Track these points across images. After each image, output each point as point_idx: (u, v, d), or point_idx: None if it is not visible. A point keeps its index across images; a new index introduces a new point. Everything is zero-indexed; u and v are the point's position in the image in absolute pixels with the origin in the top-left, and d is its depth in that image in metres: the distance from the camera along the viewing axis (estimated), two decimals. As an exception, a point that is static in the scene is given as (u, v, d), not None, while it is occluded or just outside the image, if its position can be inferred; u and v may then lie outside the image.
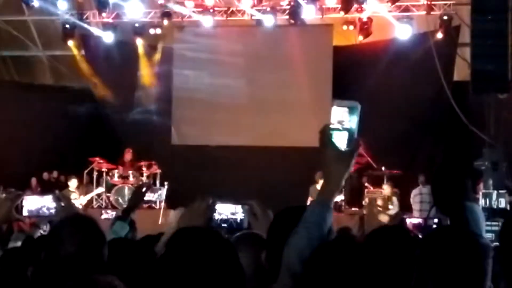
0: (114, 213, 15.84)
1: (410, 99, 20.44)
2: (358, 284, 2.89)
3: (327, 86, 21.16)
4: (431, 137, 21.15)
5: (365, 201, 18.98)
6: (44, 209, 5.91)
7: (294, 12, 20.89)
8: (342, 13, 20.80)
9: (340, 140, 2.98)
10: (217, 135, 22.02)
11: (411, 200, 18.66)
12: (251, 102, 21.90)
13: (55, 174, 21.68)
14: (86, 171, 20.84)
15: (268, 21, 21.30)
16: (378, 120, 20.07)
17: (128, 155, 21.09)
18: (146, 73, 23.24)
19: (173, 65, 22.91)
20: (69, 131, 22.18)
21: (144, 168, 20.89)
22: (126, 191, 19.71)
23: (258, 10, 21.53)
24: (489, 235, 6.89)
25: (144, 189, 5.87)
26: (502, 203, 15.29)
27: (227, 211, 5.49)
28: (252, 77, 21.88)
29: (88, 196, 19.90)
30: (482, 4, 15.85)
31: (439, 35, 20.53)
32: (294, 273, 2.85)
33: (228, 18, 21.81)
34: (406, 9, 20.73)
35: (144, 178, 20.80)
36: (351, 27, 21.49)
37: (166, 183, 20.26)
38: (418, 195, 18.64)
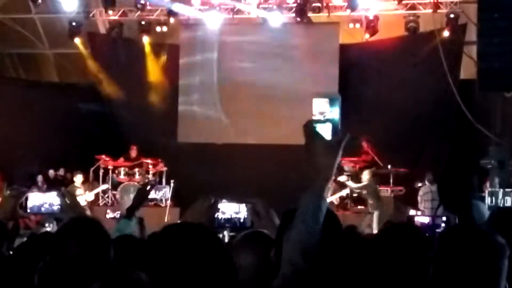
0: (119, 212, 15.86)
1: (416, 97, 20.41)
2: (370, 281, 2.90)
3: (333, 84, 21.14)
4: (437, 135, 21.12)
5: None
6: (49, 206, 5.91)
7: (300, 10, 20.87)
8: (348, 11, 20.79)
9: (325, 132, 2.97)
10: (223, 133, 22.02)
11: (419, 198, 18.52)
12: (257, 100, 21.88)
13: (61, 171, 21.72)
14: (92, 169, 20.87)
15: (274, 19, 21.30)
16: (384, 118, 20.09)
17: (133, 152, 21.13)
18: (152, 70, 23.24)
19: (179, 63, 22.91)
20: (75, 129, 22.18)
21: (150, 166, 20.92)
22: (132, 189, 19.73)
23: (265, 8, 21.53)
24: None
25: (148, 188, 5.87)
26: (508, 202, 15.25)
27: (230, 210, 5.51)
28: (258, 75, 21.85)
29: (94, 192, 19.91)
30: (489, 2, 15.82)
31: (446, 33, 20.50)
32: (297, 267, 2.84)
33: (234, 16, 21.80)
34: (413, 7, 20.71)
35: (150, 176, 20.82)
36: (358, 25, 21.47)
37: (172, 181, 20.26)
38: (428, 193, 18.46)
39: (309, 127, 2.97)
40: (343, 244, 3.23)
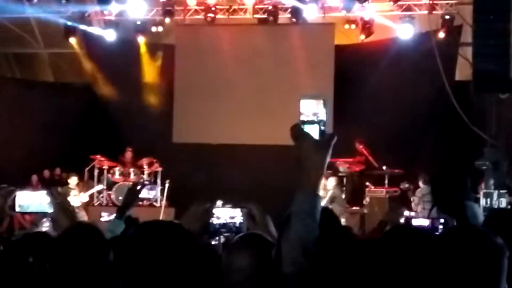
0: (114, 215, 15.85)
1: (411, 98, 20.44)
2: (375, 282, 2.91)
3: (328, 85, 21.15)
4: (432, 137, 21.15)
5: (366, 200, 18.98)
6: (38, 205, 5.87)
7: (296, 11, 20.89)
8: (344, 12, 20.80)
9: (312, 133, 2.99)
10: (218, 133, 22.02)
11: (416, 199, 18.37)
12: (252, 100, 21.90)
13: (58, 171, 21.71)
14: (87, 169, 20.87)
15: (270, 19, 21.31)
16: (379, 119, 20.13)
17: (128, 154, 21.14)
18: (147, 71, 23.24)
19: (175, 63, 22.91)
20: (70, 129, 22.16)
21: (145, 166, 20.93)
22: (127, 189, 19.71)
23: (260, 9, 21.54)
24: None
25: (138, 188, 5.87)
26: (503, 203, 15.30)
27: (225, 215, 5.49)
28: (253, 75, 21.88)
29: (89, 193, 19.90)
30: (484, 4, 15.85)
31: (441, 35, 20.51)
32: (300, 267, 2.86)
33: (230, 17, 21.80)
34: (408, 8, 20.72)
35: (145, 176, 20.83)
36: (353, 26, 21.51)
37: (167, 181, 20.26)
38: (428, 195, 18.28)
39: (297, 128, 2.99)
40: (340, 244, 3.24)
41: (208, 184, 20.35)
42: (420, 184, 18.32)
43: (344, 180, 19.78)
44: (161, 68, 23.28)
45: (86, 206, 19.77)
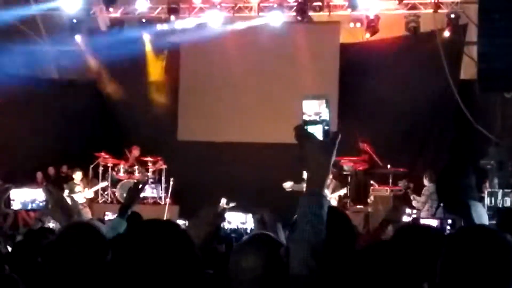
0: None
1: (416, 97, 20.42)
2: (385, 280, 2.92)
3: (333, 83, 21.19)
4: (437, 135, 21.12)
5: (370, 199, 18.97)
6: (33, 202, 5.88)
7: (301, 9, 20.88)
8: (349, 10, 20.80)
9: (316, 133, 2.98)
10: (223, 131, 22.03)
11: (424, 198, 18.28)
12: (257, 98, 21.91)
13: (64, 168, 21.72)
14: (91, 166, 20.90)
15: (275, 18, 21.31)
16: (384, 118, 20.12)
17: (135, 152, 21.15)
18: (152, 68, 23.25)
19: (180, 60, 22.94)
20: (75, 126, 22.17)
21: (149, 164, 20.94)
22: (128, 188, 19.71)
23: (265, 7, 21.54)
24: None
25: (140, 186, 5.88)
26: (508, 202, 15.26)
27: (236, 220, 5.47)
28: (258, 73, 21.89)
29: (93, 189, 19.93)
30: (490, 3, 15.80)
31: (446, 34, 20.49)
32: (311, 268, 2.85)
33: (235, 15, 21.80)
34: (414, 7, 20.70)
35: (149, 174, 20.86)
36: (358, 25, 21.47)
37: (171, 178, 20.28)
38: (435, 193, 18.14)
39: (301, 129, 2.98)
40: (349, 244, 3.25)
41: (212, 182, 20.37)
42: (426, 182, 18.24)
43: (349, 178, 19.77)
44: (166, 66, 23.30)
45: (91, 203, 19.82)
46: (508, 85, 15.99)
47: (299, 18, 21.14)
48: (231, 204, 18.82)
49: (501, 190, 15.74)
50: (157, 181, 21.02)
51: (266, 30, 21.73)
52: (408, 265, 3.21)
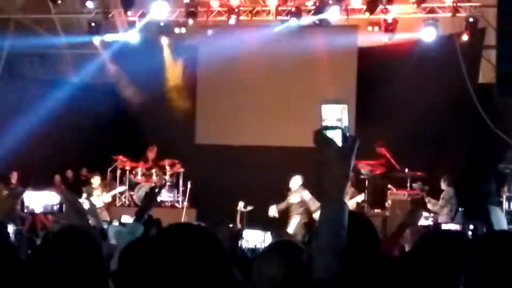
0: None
1: (434, 101, 20.33)
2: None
3: (351, 87, 21.16)
4: (455, 140, 21.04)
5: (388, 203, 18.91)
6: (46, 205, 5.88)
7: (319, 12, 20.86)
8: (367, 14, 20.77)
9: (335, 138, 2.96)
10: (241, 134, 22.06)
11: (443, 201, 18.18)
12: (275, 102, 21.91)
13: (84, 171, 21.80)
14: (109, 169, 20.97)
15: (293, 21, 21.30)
16: (402, 121, 20.04)
17: (152, 153, 21.22)
18: (170, 72, 23.29)
19: (198, 64, 22.98)
20: (93, 129, 22.23)
21: (167, 167, 20.98)
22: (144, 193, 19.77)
23: (283, 11, 21.53)
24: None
25: (156, 190, 5.89)
26: (526, 207, 15.21)
27: (255, 239, 5.39)
28: (276, 77, 21.87)
29: (111, 194, 20.01)
30: (509, 6, 15.73)
31: (465, 37, 20.41)
32: (333, 274, 2.84)
33: (253, 18, 21.81)
34: (432, 11, 20.64)
35: (167, 177, 20.90)
36: (376, 28, 21.44)
37: (189, 182, 20.31)
38: (454, 197, 18.06)
39: (320, 134, 2.97)
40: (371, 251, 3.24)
41: (230, 185, 20.40)
42: (444, 186, 18.18)
43: (366, 182, 19.72)
44: (184, 69, 23.33)
45: (108, 206, 19.88)
46: (527, 89, 15.92)
47: (317, 21, 21.12)
48: (249, 208, 18.86)
49: (519, 195, 15.68)
50: (175, 185, 21.06)
51: (284, 34, 21.72)
52: (436, 273, 3.19)
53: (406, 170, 19.29)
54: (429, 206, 18.20)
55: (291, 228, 18.45)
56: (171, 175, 21.09)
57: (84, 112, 22.08)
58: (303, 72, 21.56)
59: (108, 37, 22.77)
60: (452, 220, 16.18)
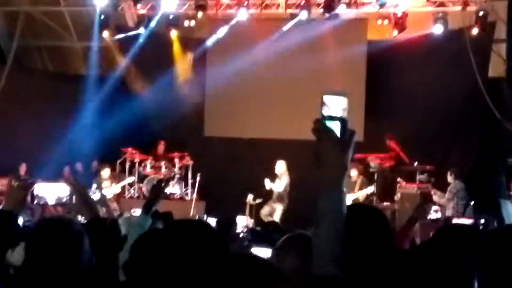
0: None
1: (444, 95, 20.31)
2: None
3: (360, 80, 21.15)
4: (465, 133, 21.00)
5: (397, 196, 18.91)
6: (56, 196, 5.92)
7: (328, 5, 20.84)
8: (377, 7, 20.74)
9: (334, 129, 2.95)
10: (250, 127, 22.07)
11: (449, 195, 18.15)
12: (284, 95, 21.90)
13: (94, 163, 21.86)
14: (119, 161, 21.01)
15: (303, 14, 21.28)
16: (411, 115, 20.04)
17: (161, 147, 21.26)
18: (180, 64, 23.29)
19: (207, 57, 22.97)
20: (103, 122, 22.26)
21: (176, 160, 21.01)
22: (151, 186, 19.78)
23: (293, 4, 21.52)
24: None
25: (163, 184, 5.92)
26: (536, 201, 15.17)
27: (263, 256, 5.38)
28: (285, 70, 21.83)
29: (120, 185, 20.07)
30: (519, 0, 15.75)
31: (475, 31, 20.33)
32: (338, 261, 2.83)
33: (263, 11, 21.81)
34: (442, 4, 20.61)
35: (176, 169, 20.93)
36: (386, 22, 21.40)
37: (198, 174, 20.34)
38: (461, 191, 18.03)
39: (320, 124, 2.95)
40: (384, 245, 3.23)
41: (239, 178, 20.43)
42: (450, 179, 18.17)
43: (375, 175, 19.72)
44: (193, 62, 23.33)
45: (118, 197, 19.95)
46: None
47: (326, 14, 21.10)
48: (258, 200, 18.89)
49: (529, 189, 15.65)
50: (184, 177, 21.09)
51: (294, 27, 21.70)
52: (452, 266, 3.18)
53: (416, 163, 19.29)
54: (435, 198, 18.18)
55: (276, 216, 18.63)
56: (180, 168, 21.12)
57: (94, 104, 22.14)
58: (313, 65, 21.49)
59: (117, 29, 22.78)
60: (463, 214, 16.20)
